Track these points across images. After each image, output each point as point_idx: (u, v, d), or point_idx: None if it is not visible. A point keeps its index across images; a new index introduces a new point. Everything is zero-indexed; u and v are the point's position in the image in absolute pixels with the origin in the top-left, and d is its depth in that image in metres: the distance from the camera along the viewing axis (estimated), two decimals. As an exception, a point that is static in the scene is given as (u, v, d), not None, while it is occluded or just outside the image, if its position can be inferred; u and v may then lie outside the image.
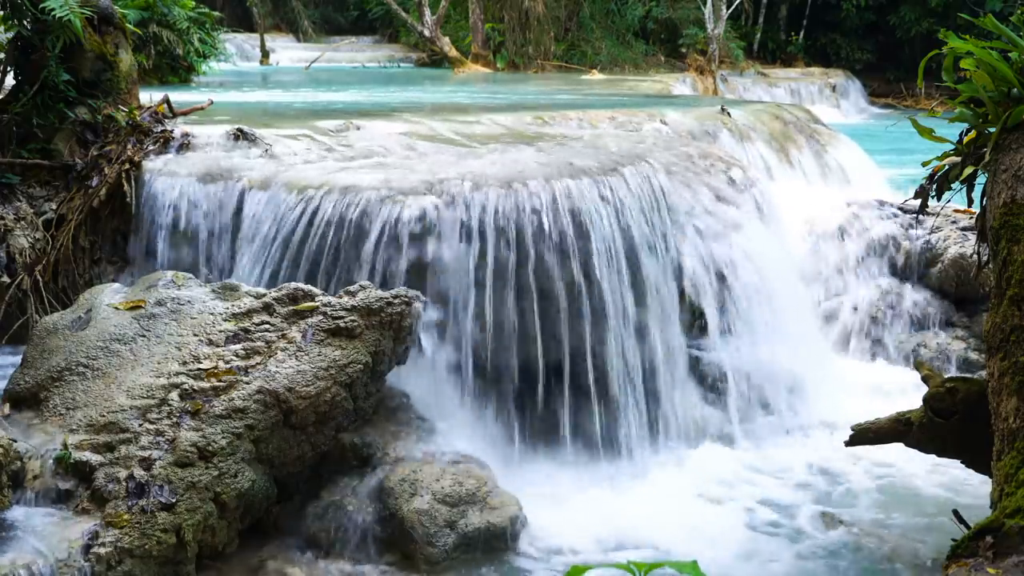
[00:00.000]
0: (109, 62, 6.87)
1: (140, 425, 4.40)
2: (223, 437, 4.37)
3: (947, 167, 4.57)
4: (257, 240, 5.66)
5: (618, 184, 5.81)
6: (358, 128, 7.21)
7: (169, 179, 6.20)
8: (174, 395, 4.49)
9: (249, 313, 4.84)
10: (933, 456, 4.84)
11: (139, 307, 4.92)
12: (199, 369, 4.58)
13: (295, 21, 30.69)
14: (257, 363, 4.59)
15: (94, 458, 4.30)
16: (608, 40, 24.38)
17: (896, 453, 5.32)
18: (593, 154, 6.31)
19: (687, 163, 6.50)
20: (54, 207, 6.40)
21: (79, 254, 6.29)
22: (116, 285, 5.31)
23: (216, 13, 14.75)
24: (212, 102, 8.14)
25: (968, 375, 5.87)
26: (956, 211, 7.26)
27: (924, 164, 4.72)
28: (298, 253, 5.49)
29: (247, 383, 4.50)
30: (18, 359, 4.98)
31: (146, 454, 4.29)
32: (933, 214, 6.62)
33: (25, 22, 6.54)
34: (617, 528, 4.82)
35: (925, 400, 4.54)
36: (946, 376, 4.67)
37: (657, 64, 24.23)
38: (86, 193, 6.36)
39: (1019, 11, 4.64)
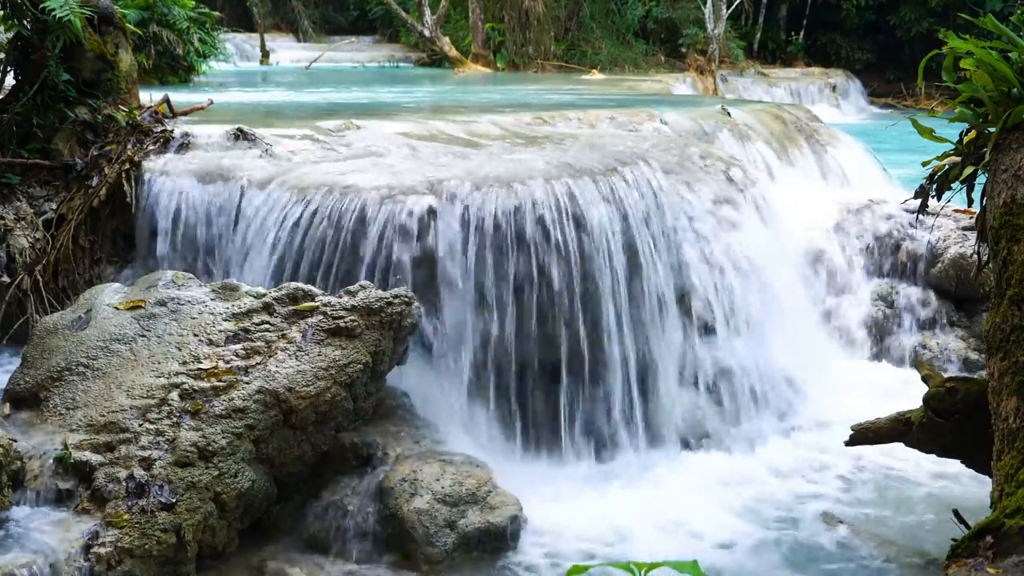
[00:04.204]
0: (109, 62, 6.86)
1: (140, 425, 4.40)
2: (223, 437, 4.37)
3: (947, 167, 4.57)
4: (257, 240, 5.66)
5: (618, 184, 5.82)
6: (358, 128, 7.21)
7: (169, 179, 6.20)
8: (174, 395, 4.49)
9: (249, 313, 4.84)
10: (933, 456, 4.84)
11: (139, 307, 4.93)
12: (199, 369, 4.58)
13: (295, 21, 30.68)
14: (257, 363, 4.59)
15: (94, 458, 4.31)
16: (608, 40, 24.36)
17: (896, 453, 5.32)
18: (593, 154, 6.31)
19: (687, 163, 6.51)
20: (54, 207, 6.40)
21: (79, 254, 6.28)
22: (116, 285, 5.31)
23: (216, 13, 14.70)
24: (212, 102, 8.15)
25: (968, 375, 5.87)
26: (956, 211, 7.26)
27: (924, 164, 4.72)
28: (298, 253, 5.49)
29: (247, 383, 4.50)
30: (18, 359, 4.98)
31: (146, 454, 4.29)
32: (933, 214, 6.61)
33: (25, 22, 6.53)
34: (617, 527, 4.82)
35: (925, 400, 4.54)
36: (946, 376, 4.67)
37: (657, 64, 24.21)
38: (86, 193, 6.36)
39: (1019, 11, 4.64)
